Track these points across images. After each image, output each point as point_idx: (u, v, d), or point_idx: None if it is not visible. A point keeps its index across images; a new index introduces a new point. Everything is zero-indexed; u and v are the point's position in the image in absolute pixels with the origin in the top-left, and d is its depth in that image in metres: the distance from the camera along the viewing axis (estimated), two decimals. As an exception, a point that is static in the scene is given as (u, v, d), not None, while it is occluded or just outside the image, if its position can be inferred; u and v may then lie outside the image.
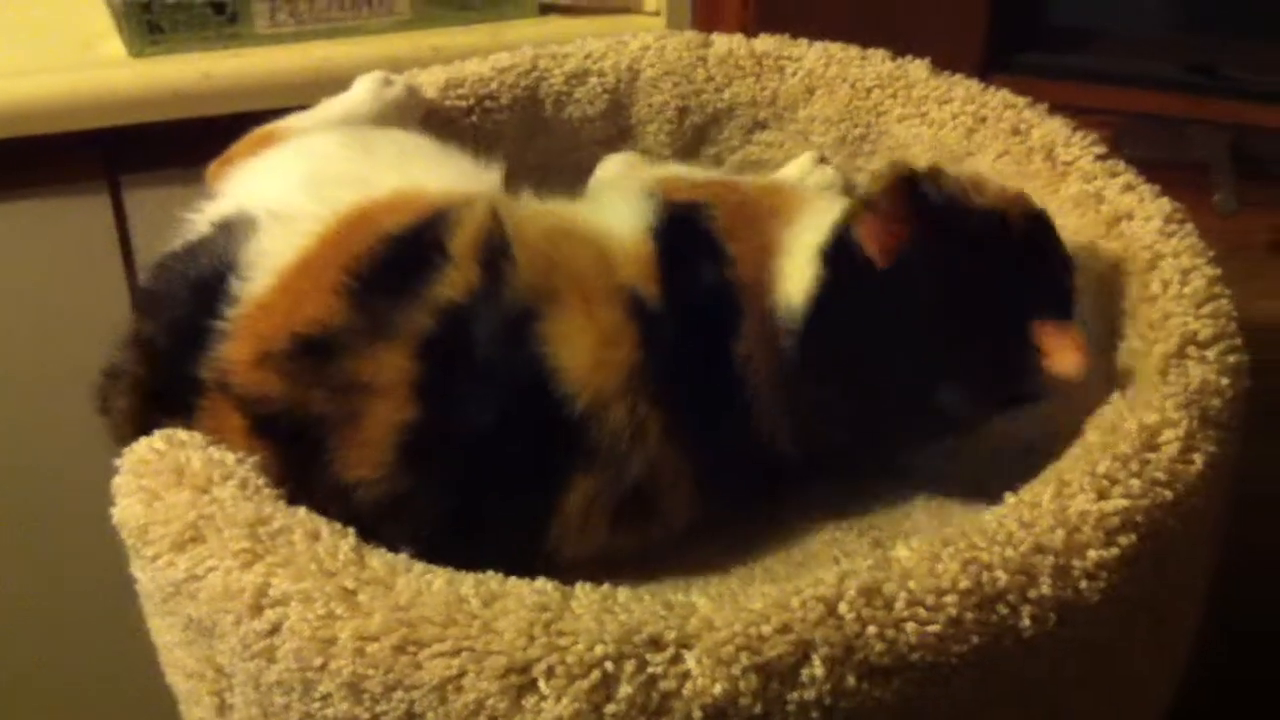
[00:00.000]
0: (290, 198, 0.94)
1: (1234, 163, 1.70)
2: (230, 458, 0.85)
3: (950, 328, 0.91)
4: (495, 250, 0.90)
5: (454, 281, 0.89)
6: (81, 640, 1.68)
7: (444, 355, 0.87)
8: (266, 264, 0.91)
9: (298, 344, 0.88)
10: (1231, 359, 0.90)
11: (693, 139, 1.27)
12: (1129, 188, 1.05)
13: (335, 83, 1.22)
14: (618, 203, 0.99)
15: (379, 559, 0.78)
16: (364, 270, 0.89)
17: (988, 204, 0.94)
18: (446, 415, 0.87)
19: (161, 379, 0.92)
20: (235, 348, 0.89)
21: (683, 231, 0.95)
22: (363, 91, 1.15)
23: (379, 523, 0.85)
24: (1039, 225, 0.95)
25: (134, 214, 1.51)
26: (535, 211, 0.97)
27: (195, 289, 0.92)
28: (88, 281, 1.51)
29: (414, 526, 0.86)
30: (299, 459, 0.87)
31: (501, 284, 0.89)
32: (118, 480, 0.87)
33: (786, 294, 0.94)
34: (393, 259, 0.90)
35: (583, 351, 0.88)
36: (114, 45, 1.49)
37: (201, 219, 0.98)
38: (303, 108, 1.20)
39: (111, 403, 0.94)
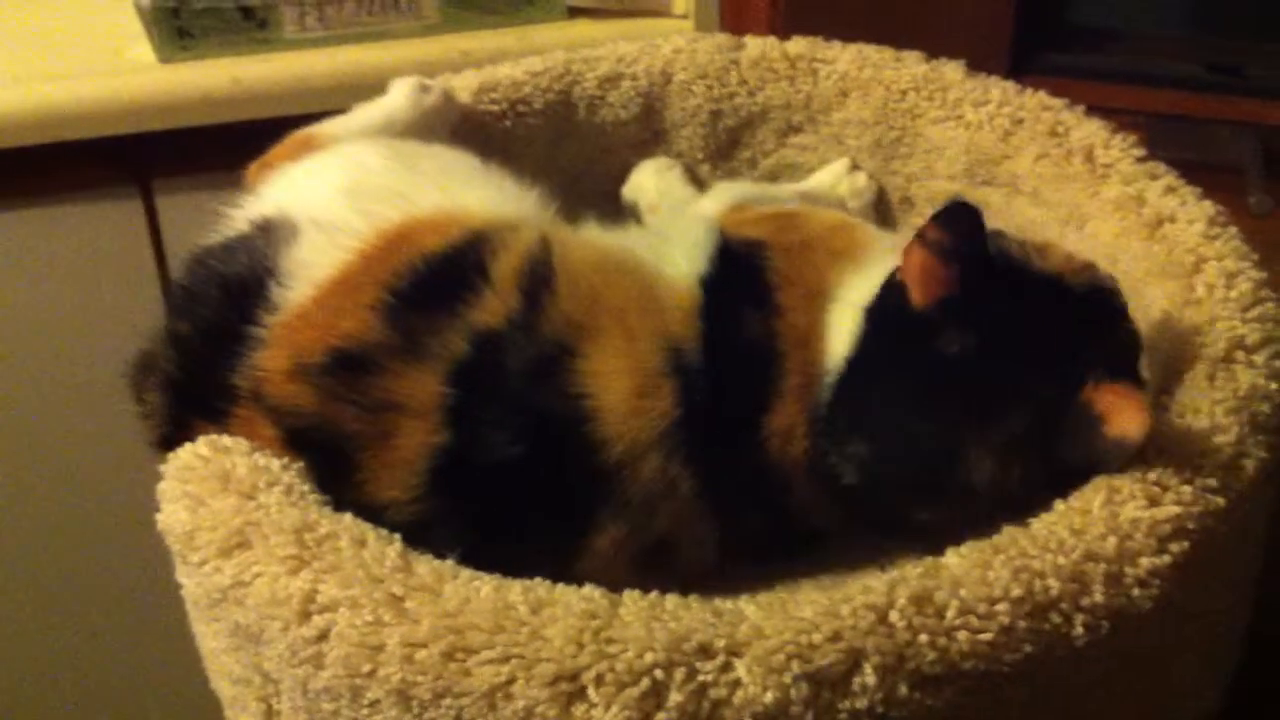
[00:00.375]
0: (332, 208, 0.93)
1: (1266, 163, 1.70)
2: (275, 464, 0.85)
3: (990, 390, 0.85)
4: (538, 279, 0.89)
5: (492, 308, 0.88)
6: (126, 643, 1.69)
7: (477, 382, 0.86)
8: (306, 274, 0.90)
9: (333, 358, 0.87)
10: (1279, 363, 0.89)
11: (726, 142, 1.26)
12: (1170, 190, 1.05)
13: (364, 87, 1.22)
14: (676, 237, 0.97)
15: (426, 565, 0.77)
16: (403, 288, 0.88)
17: (1049, 268, 0.89)
18: (477, 443, 0.86)
19: (195, 380, 0.91)
20: (271, 357, 0.88)
21: (734, 279, 0.93)
22: (400, 97, 1.15)
23: (409, 544, 0.82)
24: (1103, 292, 0.90)
25: (166, 219, 1.51)
26: (587, 241, 0.97)
27: (231, 290, 0.91)
28: (121, 287, 1.52)
29: (442, 551, 0.82)
30: (331, 474, 0.86)
31: (541, 314, 0.88)
32: (162, 486, 0.87)
33: (832, 345, 0.90)
34: (432, 279, 0.89)
35: (620, 396, 0.86)
36: (143, 50, 1.50)
37: (240, 216, 0.97)
38: (332, 113, 1.20)
39: (145, 395, 0.94)
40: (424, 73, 1.24)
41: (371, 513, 0.85)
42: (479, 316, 0.87)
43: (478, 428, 0.86)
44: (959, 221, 0.86)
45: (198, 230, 1.49)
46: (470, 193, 0.97)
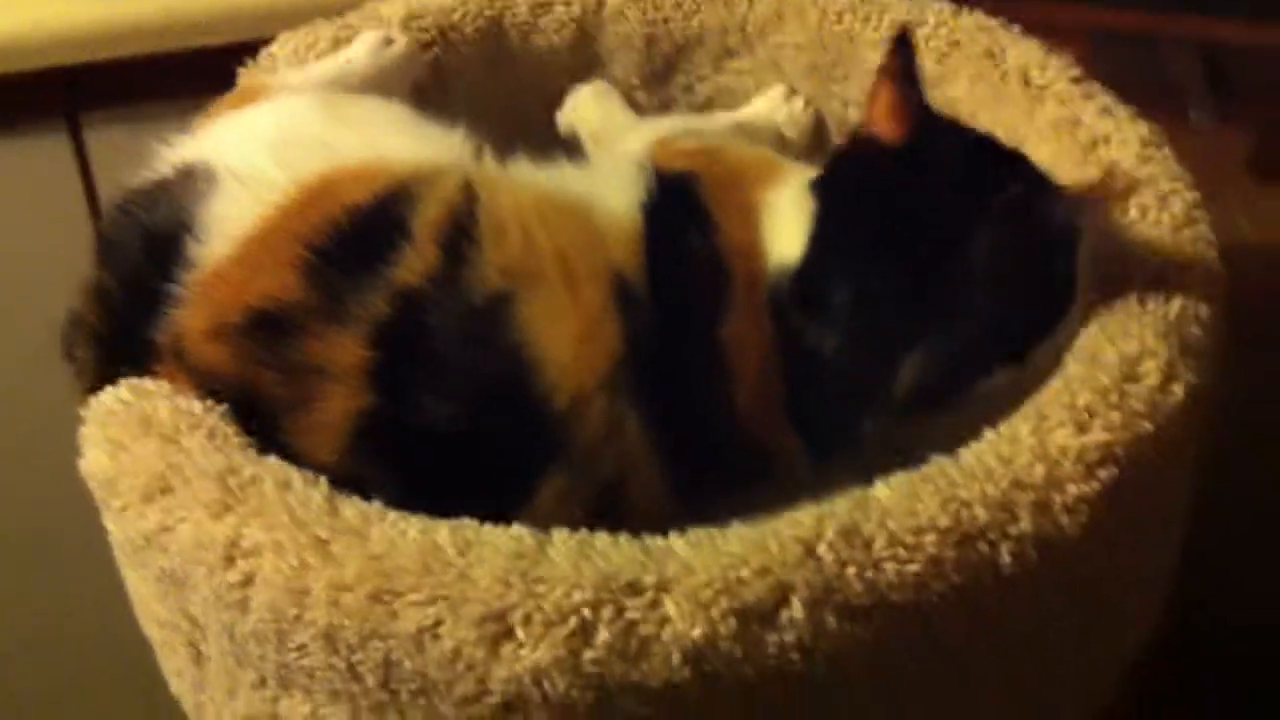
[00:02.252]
0: (255, 159, 0.90)
1: (1208, 80, 1.70)
2: (198, 406, 0.83)
3: (973, 203, 0.87)
4: (459, 231, 0.86)
5: (412, 265, 0.85)
6: (57, 589, 1.67)
7: (401, 343, 0.84)
8: (225, 229, 0.87)
9: (252, 319, 0.84)
10: (1211, 286, 0.89)
11: (662, 68, 1.24)
12: (1105, 111, 1.04)
13: (297, 14, 1.20)
14: (610, 173, 0.95)
15: (352, 508, 0.76)
16: (324, 245, 0.85)
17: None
18: (405, 405, 0.83)
19: (118, 335, 0.89)
20: (190, 315, 0.86)
21: (670, 205, 0.91)
22: (360, 50, 1.13)
23: None
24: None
25: (95, 152, 1.48)
26: (519, 183, 0.94)
27: (152, 242, 0.89)
28: (51, 221, 1.49)
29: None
30: (259, 436, 0.84)
31: (466, 267, 0.85)
32: (84, 431, 0.85)
33: (777, 249, 0.89)
34: (354, 235, 0.86)
35: (563, 342, 0.84)
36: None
37: (168, 155, 0.95)
38: (266, 42, 1.18)
39: (75, 350, 0.92)
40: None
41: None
42: (399, 275, 0.84)
43: (405, 390, 0.83)
44: (908, 50, 0.91)
45: (128, 163, 1.48)
46: (397, 140, 0.95)
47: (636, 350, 0.85)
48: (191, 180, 0.90)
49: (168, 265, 0.87)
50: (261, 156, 0.90)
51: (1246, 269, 1.01)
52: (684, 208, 0.92)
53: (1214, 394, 0.87)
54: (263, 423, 0.84)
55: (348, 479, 0.81)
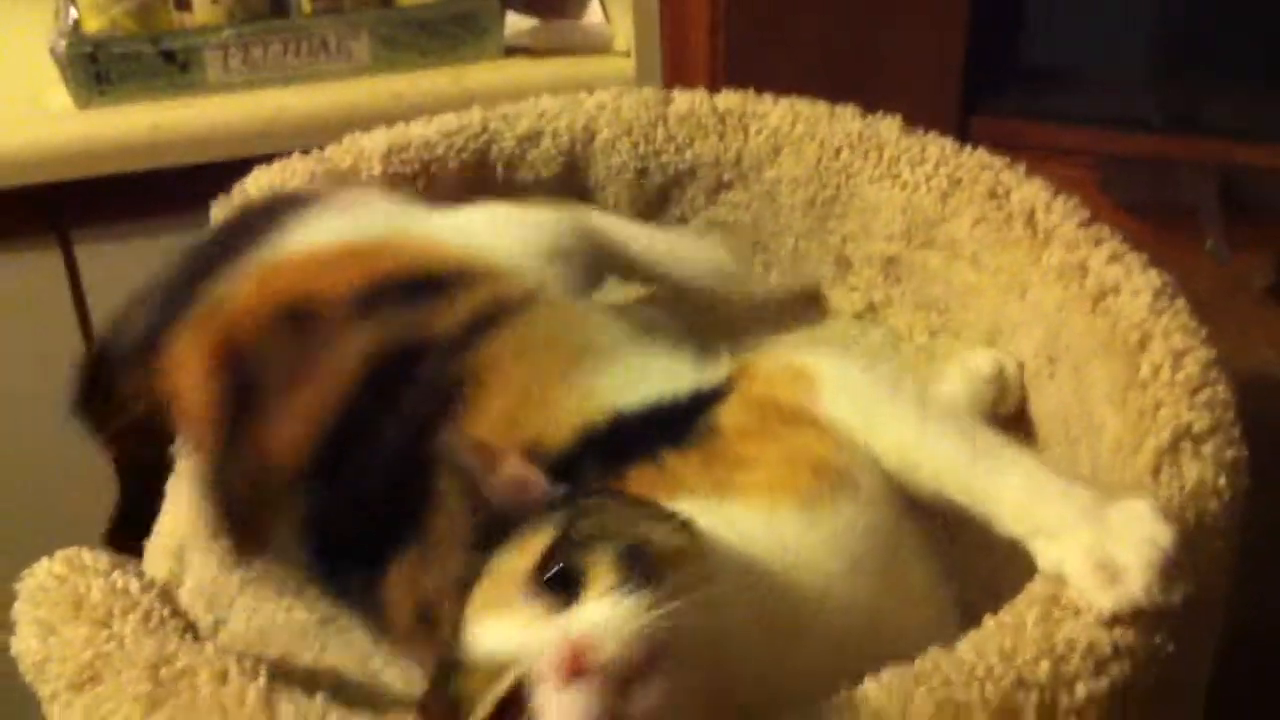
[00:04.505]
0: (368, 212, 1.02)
1: (1224, 206, 1.65)
2: (135, 584, 0.78)
3: None
4: (488, 319, 0.90)
5: (438, 321, 0.90)
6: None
7: (381, 375, 0.88)
8: (306, 237, 0.97)
9: (297, 306, 0.92)
10: (1230, 454, 0.83)
11: (656, 199, 1.20)
12: (1115, 257, 0.98)
13: (291, 132, 1.17)
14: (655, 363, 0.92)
15: (290, 707, 0.70)
16: (381, 278, 0.93)
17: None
18: (357, 431, 0.87)
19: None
20: (244, 288, 0.94)
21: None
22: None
23: (277, 503, 0.88)
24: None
25: (86, 268, 1.46)
26: (568, 312, 0.96)
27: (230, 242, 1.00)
28: (41, 338, 1.46)
29: (298, 530, 0.88)
30: (241, 410, 0.89)
31: (468, 349, 0.88)
32: (16, 608, 0.80)
33: None
34: (412, 283, 0.93)
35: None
36: (61, 96, 1.45)
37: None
38: (257, 160, 1.15)
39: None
40: (354, 117, 1.19)
41: (263, 463, 0.88)
42: (422, 318, 0.90)
43: (362, 418, 0.87)
44: None
45: (119, 279, 1.45)
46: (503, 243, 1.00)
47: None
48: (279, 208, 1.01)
49: (237, 255, 0.97)
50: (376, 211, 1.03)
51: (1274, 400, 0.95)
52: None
53: (1235, 570, 0.81)
54: (254, 402, 0.89)
55: (295, 486, 0.87)
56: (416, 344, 0.89)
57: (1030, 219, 1.04)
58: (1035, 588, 0.76)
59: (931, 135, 1.13)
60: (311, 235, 0.98)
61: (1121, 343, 0.91)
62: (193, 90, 1.47)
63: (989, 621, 0.74)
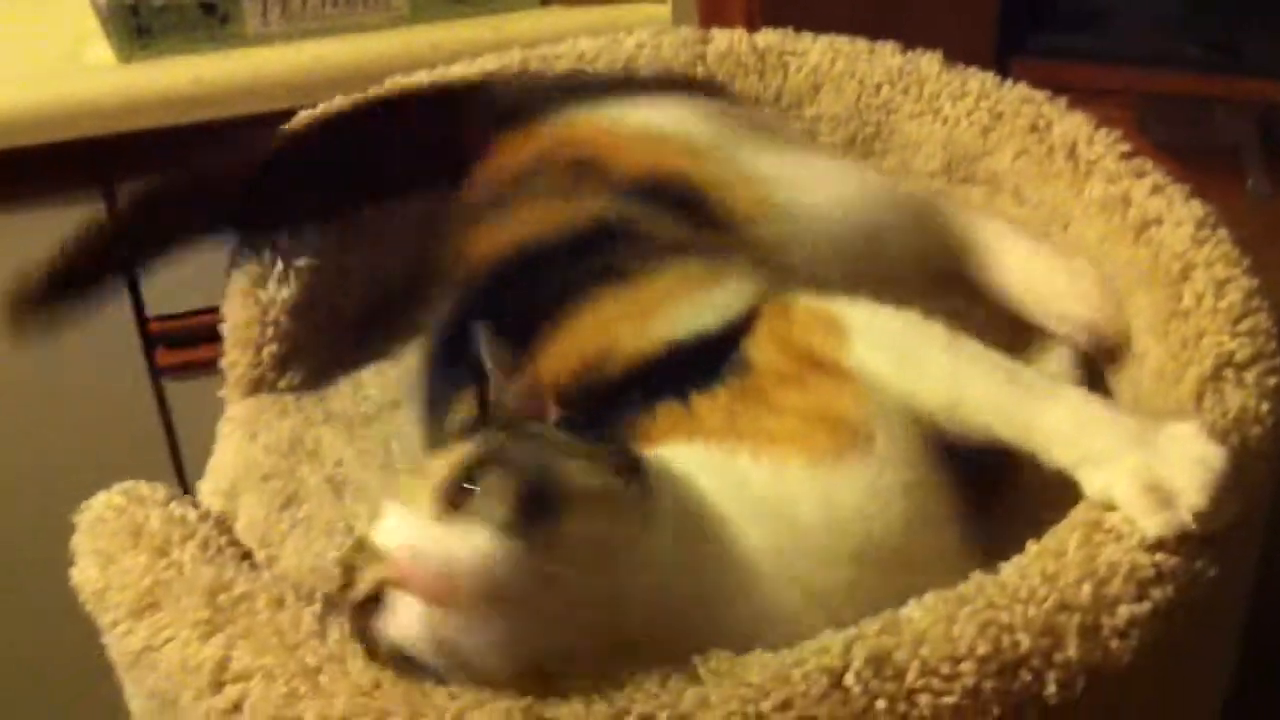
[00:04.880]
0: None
1: (1264, 144, 1.64)
2: (192, 514, 0.80)
3: None
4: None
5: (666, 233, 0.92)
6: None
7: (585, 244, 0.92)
8: (648, 112, 1.04)
9: (589, 160, 0.98)
10: (1272, 381, 0.83)
11: (695, 138, 1.20)
12: (1157, 189, 0.98)
13: (330, 84, 1.17)
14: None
15: (342, 632, 0.72)
16: (664, 178, 0.97)
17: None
18: (529, 274, 0.91)
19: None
20: (570, 128, 1.03)
21: None
22: None
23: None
24: None
25: (130, 222, 1.46)
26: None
27: None
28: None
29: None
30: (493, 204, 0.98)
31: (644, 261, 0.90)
32: (75, 539, 0.81)
33: None
34: (684, 195, 0.95)
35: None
36: (103, 50, 1.45)
37: None
38: (295, 110, 1.15)
39: None
40: (392, 68, 1.19)
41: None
42: (661, 225, 0.93)
43: (544, 264, 0.92)
44: None
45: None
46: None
47: None
48: None
49: None
50: None
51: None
52: None
53: (1274, 496, 0.81)
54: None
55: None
56: (634, 236, 0.91)
57: (1072, 152, 1.04)
58: (1077, 514, 0.76)
59: (972, 70, 1.13)
60: (653, 114, 1.02)
61: (1164, 273, 0.91)
62: (232, 43, 1.47)
63: (1031, 546, 0.75)
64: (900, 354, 0.82)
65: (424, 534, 0.67)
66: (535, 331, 0.86)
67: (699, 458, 0.77)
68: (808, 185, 0.99)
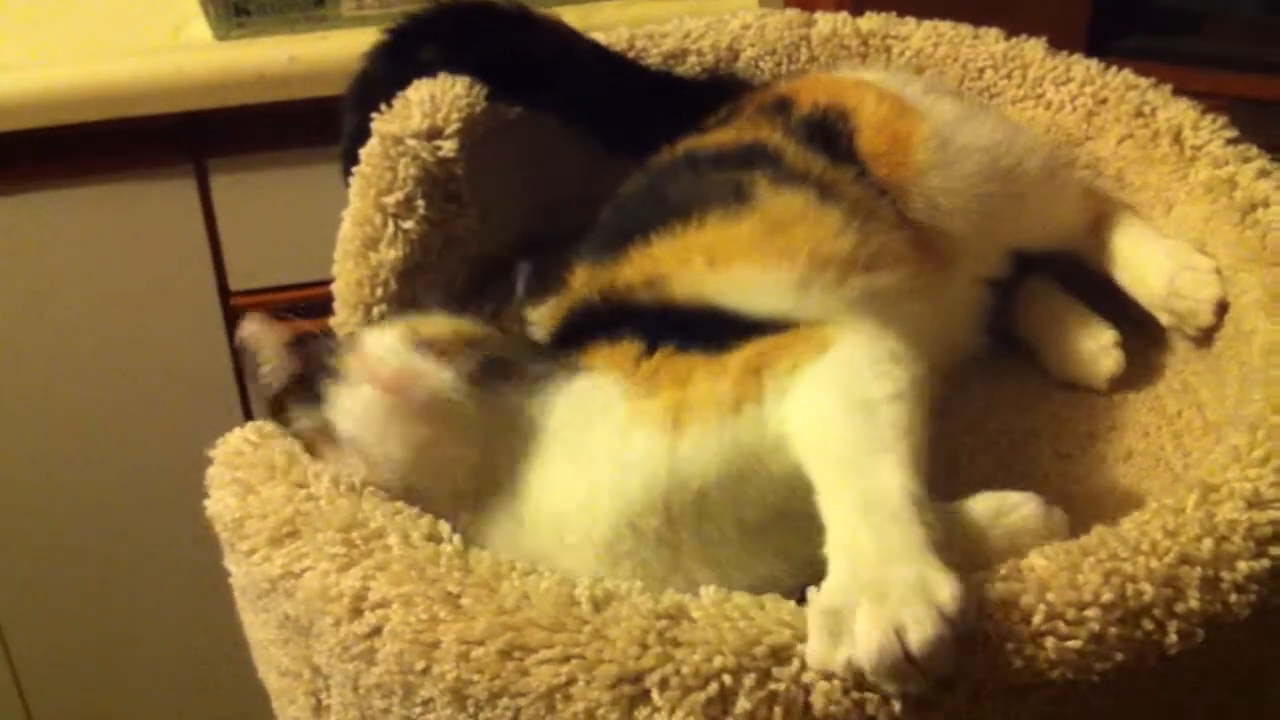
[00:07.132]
0: None
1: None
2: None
3: None
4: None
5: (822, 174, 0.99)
6: (176, 631, 1.67)
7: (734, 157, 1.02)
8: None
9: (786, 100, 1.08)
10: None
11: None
12: (1263, 173, 1.00)
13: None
14: None
15: (484, 561, 0.74)
16: None
17: None
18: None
19: None
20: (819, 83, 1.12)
21: None
22: None
23: None
24: None
25: (220, 197, 1.49)
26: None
27: None
28: (174, 263, 1.51)
29: None
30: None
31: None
32: (211, 471, 0.84)
33: None
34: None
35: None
36: (200, 28, 1.47)
37: None
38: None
39: None
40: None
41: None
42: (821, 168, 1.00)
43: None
44: None
45: (250, 209, 1.47)
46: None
47: None
48: None
49: None
50: None
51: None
52: None
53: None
54: None
55: None
56: (776, 162, 0.99)
57: (1177, 137, 1.05)
58: (1191, 479, 0.78)
59: (1076, 56, 1.14)
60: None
61: (1272, 252, 0.93)
62: (327, 24, 1.50)
63: (1150, 503, 0.76)
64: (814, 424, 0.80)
65: (405, 356, 0.83)
66: (648, 230, 0.95)
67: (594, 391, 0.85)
68: (964, 122, 1.04)
